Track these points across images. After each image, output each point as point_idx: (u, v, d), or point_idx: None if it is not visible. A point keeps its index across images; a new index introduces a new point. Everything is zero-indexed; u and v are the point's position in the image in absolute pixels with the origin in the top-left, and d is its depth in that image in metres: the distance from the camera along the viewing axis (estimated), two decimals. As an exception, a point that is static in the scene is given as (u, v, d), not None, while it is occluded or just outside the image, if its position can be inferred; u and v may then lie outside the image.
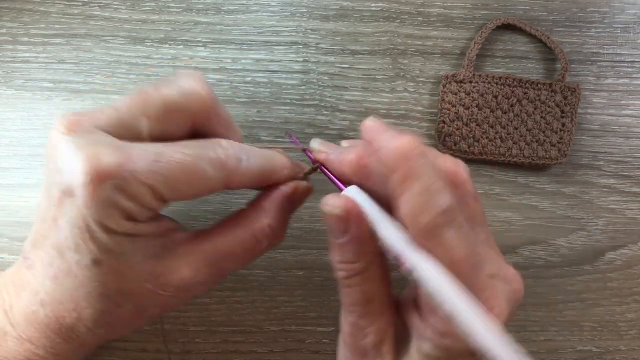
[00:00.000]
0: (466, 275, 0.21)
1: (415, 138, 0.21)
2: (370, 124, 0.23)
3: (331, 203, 0.23)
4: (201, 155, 0.23)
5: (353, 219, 0.23)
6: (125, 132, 0.23)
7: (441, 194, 0.21)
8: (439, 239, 0.21)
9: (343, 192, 0.24)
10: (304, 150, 0.28)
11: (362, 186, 0.24)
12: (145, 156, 0.22)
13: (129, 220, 0.22)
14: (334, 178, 0.26)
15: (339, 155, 0.26)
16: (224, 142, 0.25)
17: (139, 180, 0.22)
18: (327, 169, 0.26)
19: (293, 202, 0.27)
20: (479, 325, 0.20)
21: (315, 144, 0.27)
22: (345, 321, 0.25)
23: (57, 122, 0.23)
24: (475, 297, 0.21)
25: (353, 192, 0.24)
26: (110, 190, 0.21)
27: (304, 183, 0.27)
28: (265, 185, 0.27)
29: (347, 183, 0.25)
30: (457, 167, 0.25)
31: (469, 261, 0.21)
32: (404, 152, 0.21)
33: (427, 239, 0.21)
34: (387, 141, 0.21)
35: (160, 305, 0.25)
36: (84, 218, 0.22)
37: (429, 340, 0.23)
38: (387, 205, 0.23)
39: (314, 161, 0.27)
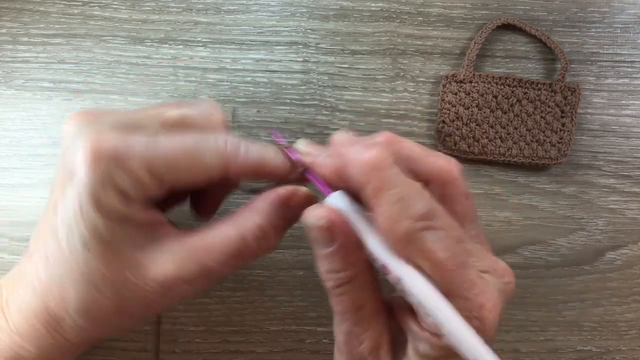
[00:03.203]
0: (453, 275, 0.21)
1: (383, 148, 0.22)
2: (339, 138, 0.24)
3: (314, 214, 0.23)
4: (200, 140, 0.24)
5: (338, 229, 0.22)
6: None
7: (416, 201, 0.21)
8: (419, 245, 0.21)
9: (326, 200, 0.24)
10: (288, 149, 0.27)
11: (349, 190, 0.24)
12: (145, 138, 0.23)
13: (123, 199, 0.23)
14: (318, 183, 0.25)
15: (325, 159, 0.25)
16: (222, 134, 0.25)
17: (138, 156, 0.23)
18: (314, 172, 0.25)
19: (291, 207, 0.26)
20: (464, 336, 0.21)
21: (302, 146, 0.26)
22: (339, 330, 0.25)
23: (68, 118, 0.25)
24: (463, 298, 0.21)
25: (337, 199, 0.23)
26: (108, 165, 0.22)
27: (304, 189, 0.26)
28: (263, 175, 0.26)
29: (333, 188, 0.24)
30: (448, 165, 0.25)
31: (453, 261, 0.21)
32: (373, 165, 0.21)
33: (405, 247, 0.21)
34: (355, 155, 0.22)
35: (143, 302, 0.24)
36: (79, 198, 0.22)
37: (425, 341, 0.23)
38: None
39: (300, 165, 0.26)
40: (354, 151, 0.22)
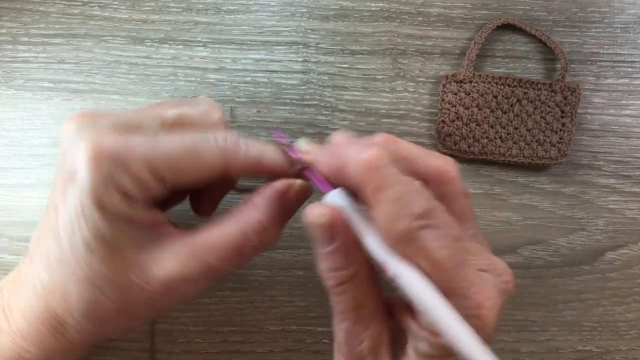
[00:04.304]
0: (452, 273, 0.21)
1: (381, 149, 0.22)
2: (338, 138, 0.24)
3: (315, 213, 0.23)
4: (200, 139, 0.24)
5: (339, 227, 0.22)
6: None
7: (414, 199, 0.21)
8: (418, 244, 0.21)
9: (326, 197, 0.24)
10: (288, 147, 0.27)
11: (349, 187, 0.24)
12: (145, 138, 0.23)
13: (125, 198, 0.23)
14: (317, 181, 0.25)
15: (326, 157, 0.25)
16: (222, 131, 0.25)
17: (139, 157, 0.23)
18: (311, 170, 0.26)
19: (288, 200, 0.26)
20: (461, 334, 0.21)
21: (303, 144, 0.26)
22: (339, 329, 0.25)
23: (69, 120, 0.25)
24: (462, 296, 0.21)
25: (337, 197, 0.23)
26: (110, 165, 0.22)
27: (299, 181, 0.27)
28: (263, 172, 0.26)
29: (333, 186, 0.24)
30: (445, 164, 0.25)
31: (452, 260, 0.21)
32: (371, 164, 0.21)
33: (403, 246, 0.21)
34: (354, 155, 0.22)
35: (146, 303, 0.25)
36: (81, 199, 0.22)
37: (424, 340, 0.23)
38: None
39: (300, 162, 0.26)
40: (352, 151, 0.22)
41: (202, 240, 0.25)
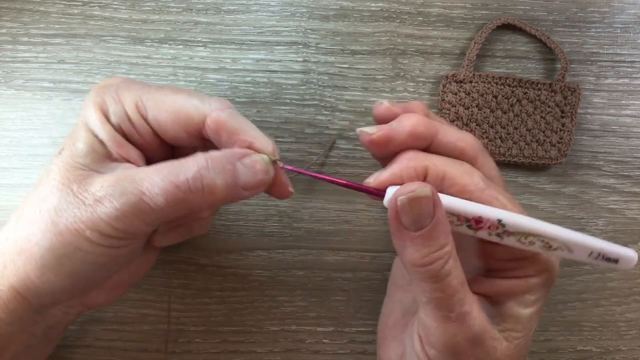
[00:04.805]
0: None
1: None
2: (386, 106, 0.26)
3: (413, 187, 0.23)
4: (191, 93, 0.26)
5: (438, 198, 0.23)
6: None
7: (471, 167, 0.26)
8: (492, 193, 0.25)
9: (388, 192, 0.24)
10: (283, 167, 0.27)
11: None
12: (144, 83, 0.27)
13: (103, 119, 0.25)
14: (349, 183, 0.26)
15: (397, 128, 0.25)
16: (215, 100, 0.26)
17: (131, 91, 0.26)
18: (386, 148, 0.26)
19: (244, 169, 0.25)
20: (576, 235, 0.25)
21: (369, 129, 0.26)
22: (444, 316, 0.24)
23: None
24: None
25: (395, 190, 0.24)
26: (108, 89, 0.26)
27: (264, 157, 0.26)
28: (238, 142, 0.26)
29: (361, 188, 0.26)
30: (471, 139, 0.28)
31: (518, 209, 0.25)
32: (474, 145, 0.27)
33: (486, 193, 0.25)
34: (448, 129, 0.26)
35: (77, 217, 0.24)
36: (58, 159, 0.25)
37: (524, 289, 0.25)
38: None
39: (374, 145, 0.26)
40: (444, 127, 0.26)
41: (137, 170, 0.25)
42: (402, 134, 0.25)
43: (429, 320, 0.24)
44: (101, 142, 0.25)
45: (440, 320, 0.24)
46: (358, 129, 0.26)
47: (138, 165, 0.26)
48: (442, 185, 0.25)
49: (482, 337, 0.24)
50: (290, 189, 0.27)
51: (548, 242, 0.25)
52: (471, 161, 0.26)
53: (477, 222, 0.24)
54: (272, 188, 0.27)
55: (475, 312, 0.24)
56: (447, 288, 0.23)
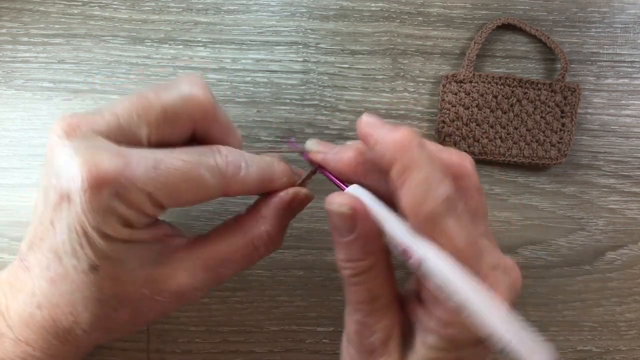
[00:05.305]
0: (468, 264, 0.22)
1: (412, 130, 0.22)
2: (366, 120, 0.23)
3: (337, 201, 0.23)
4: (200, 162, 0.23)
5: (359, 216, 0.23)
6: (124, 137, 0.23)
7: (441, 184, 0.21)
8: (440, 228, 0.21)
9: (346, 191, 0.24)
10: (302, 153, 0.28)
11: (362, 184, 0.25)
12: (143, 163, 0.22)
13: (126, 226, 0.22)
14: (334, 178, 0.26)
15: (336, 154, 0.26)
16: (223, 149, 0.25)
17: (137, 187, 0.22)
18: (325, 169, 0.26)
19: (292, 209, 0.27)
20: (493, 311, 0.21)
21: (312, 145, 0.27)
22: (351, 320, 0.25)
23: (55, 125, 0.23)
24: (482, 285, 0.21)
25: (356, 190, 0.24)
26: (108, 197, 0.21)
27: (304, 190, 0.27)
28: (263, 192, 0.27)
29: (347, 183, 0.25)
30: (462, 160, 0.25)
31: (470, 251, 0.22)
32: (402, 144, 0.21)
33: (428, 228, 0.21)
34: (385, 135, 0.22)
35: (156, 310, 0.25)
36: (81, 223, 0.22)
37: (434, 332, 0.23)
38: (389, 201, 0.23)
39: (313, 163, 0.27)
40: (383, 132, 0.22)
41: (212, 253, 0.26)
42: (334, 165, 0.26)
43: (346, 317, 0.25)
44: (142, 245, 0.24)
45: (348, 317, 0.25)
46: (308, 141, 0.27)
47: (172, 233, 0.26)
48: (397, 192, 0.22)
49: (375, 350, 0.24)
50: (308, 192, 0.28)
51: (461, 306, 0.21)
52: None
53: (403, 252, 0.23)
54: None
55: (379, 327, 0.24)
56: (354, 294, 0.24)
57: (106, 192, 0.21)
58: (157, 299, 0.24)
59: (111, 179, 0.21)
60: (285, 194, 0.26)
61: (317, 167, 0.27)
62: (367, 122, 0.23)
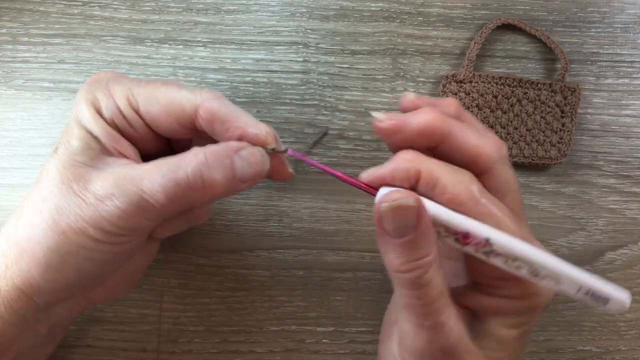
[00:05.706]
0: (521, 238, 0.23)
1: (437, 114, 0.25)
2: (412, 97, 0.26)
3: (396, 197, 0.22)
4: (181, 86, 0.26)
5: (424, 208, 0.23)
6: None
7: (466, 173, 0.24)
8: (487, 207, 0.23)
9: (386, 191, 0.23)
10: (303, 159, 0.27)
11: (435, 152, 0.25)
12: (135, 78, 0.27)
13: (96, 114, 0.25)
14: (354, 184, 0.25)
15: (407, 120, 0.25)
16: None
17: (123, 85, 0.26)
18: (395, 138, 0.25)
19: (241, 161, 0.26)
20: (567, 266, 0.23)
21: (379, 114, 0.25)
22: (419, 328, 0.24)
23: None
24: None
25: (386, 191, 0.23)
26: (98, 84, 0.26)
27: (267, 165, 0.26)
28: (232, 131, 0.26)
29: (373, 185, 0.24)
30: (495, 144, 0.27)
31: (518, 225, 0.24)
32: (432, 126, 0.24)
33: (476, 206, 0.23)
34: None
35: (86, 219, 0.24)
36: (58, 148, 0.25)
37: (506, 311, 0.24)
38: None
39: (383, 133, 0.26)
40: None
41: (135, 167, 0.25)
42: (412, 128, 0.24)
43: (405, 324, 0.24)
44: (96, 138, 0.25)
45: (415, 326, 0.24)
46: (373, 112, 0.25)
47: (134, 160, 0.26)
48: (434, 192, 0.23)
49: (456, 349, 0.24)
50: (290, 169, 0.28)
51: (536, 269, 0.23)
52: (483, 170, 0.25)
53: (464, 237, 0.23)
54: (272, 173, 0.27)
55: (452, 323, 0.24)
56: (423, 297, 0.23)
57: (98, 82, 0.26)
58: (81, 197, 0.24)
59: (105, 77, 0.26)
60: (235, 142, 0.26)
61: (287, 149, 0.26)
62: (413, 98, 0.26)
